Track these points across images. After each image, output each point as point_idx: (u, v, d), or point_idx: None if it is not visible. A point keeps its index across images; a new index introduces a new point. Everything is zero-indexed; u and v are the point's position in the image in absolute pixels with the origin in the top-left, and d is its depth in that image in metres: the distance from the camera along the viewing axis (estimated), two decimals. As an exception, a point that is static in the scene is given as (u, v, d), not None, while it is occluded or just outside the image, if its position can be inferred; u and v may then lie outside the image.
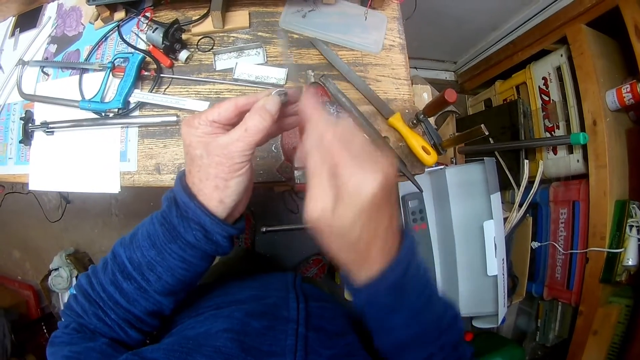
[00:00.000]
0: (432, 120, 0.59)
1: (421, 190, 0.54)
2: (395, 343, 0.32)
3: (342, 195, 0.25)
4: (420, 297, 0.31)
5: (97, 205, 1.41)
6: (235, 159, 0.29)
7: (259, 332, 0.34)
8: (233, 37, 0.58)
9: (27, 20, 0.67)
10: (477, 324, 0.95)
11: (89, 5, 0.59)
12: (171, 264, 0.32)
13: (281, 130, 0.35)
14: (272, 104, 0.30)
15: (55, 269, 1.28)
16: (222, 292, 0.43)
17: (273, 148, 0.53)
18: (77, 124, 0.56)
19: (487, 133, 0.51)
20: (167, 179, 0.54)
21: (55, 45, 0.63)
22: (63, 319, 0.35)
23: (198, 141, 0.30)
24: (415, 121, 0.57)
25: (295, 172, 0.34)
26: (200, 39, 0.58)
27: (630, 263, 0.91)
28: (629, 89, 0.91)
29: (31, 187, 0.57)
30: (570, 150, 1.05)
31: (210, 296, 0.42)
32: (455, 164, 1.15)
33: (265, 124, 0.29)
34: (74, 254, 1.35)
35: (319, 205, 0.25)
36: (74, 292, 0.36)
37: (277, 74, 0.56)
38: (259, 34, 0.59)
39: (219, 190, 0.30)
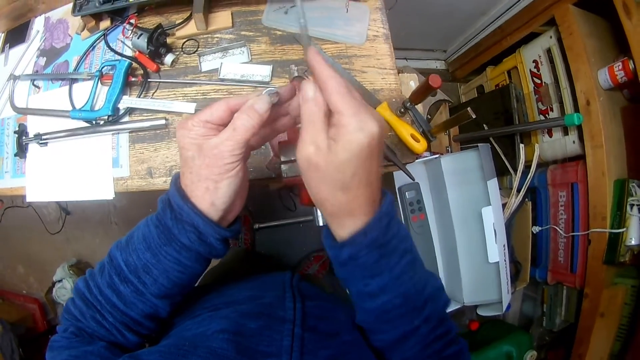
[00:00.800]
0: (420, 107, 0.59)
1: (413, 179, 0.54)
2: (377, 311, 0.32)
3: (339, 135, 0.25)
4: (402, 259, 0.30)
5: (97, 214, 1.42)
6: (225, 159, 0.30)
7: (255, 332, 0.34)
8: (217, 37, 0.59)
9: (16, 35, 0.68)
10: (482, 312, 0.94)
11: (74, 16, 0.59)
12: (166, 266, 0.32)
13: (276, 132, 0.35)
14: (261, 103, 0.30)
15: (59, 281, 1.29)
16: (219, 293, 0.43)
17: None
18: (69, 133, 0.56)
19: (474, 116, 0.51)
20: (160, 183, 0.54)
21: (45, 58, 0.64)
22: (62, 323, 0.36)
23: (191, 143, 0.30)
24: (402, 110, 0.57)
25: (283, 166, 0.34)
26: (185, 41, 0.59)
27: (633, 242, 0.90)
28: (621, 67, 0.90)
29: (29, 199, 0.58)
30: (566, 131, 1.05)
31: (208, 297, 0.42)
32: (451, 152, 1.15)
33: (252, 122, 0.30)
34: (76, 264, 1.36)
35: (313, 144, 0.26)
36: (72, 296, 0.36)
37: (262, 72, 0.56)
38: (243, 33, 0.59)
39: (209, 192, 0.31)
